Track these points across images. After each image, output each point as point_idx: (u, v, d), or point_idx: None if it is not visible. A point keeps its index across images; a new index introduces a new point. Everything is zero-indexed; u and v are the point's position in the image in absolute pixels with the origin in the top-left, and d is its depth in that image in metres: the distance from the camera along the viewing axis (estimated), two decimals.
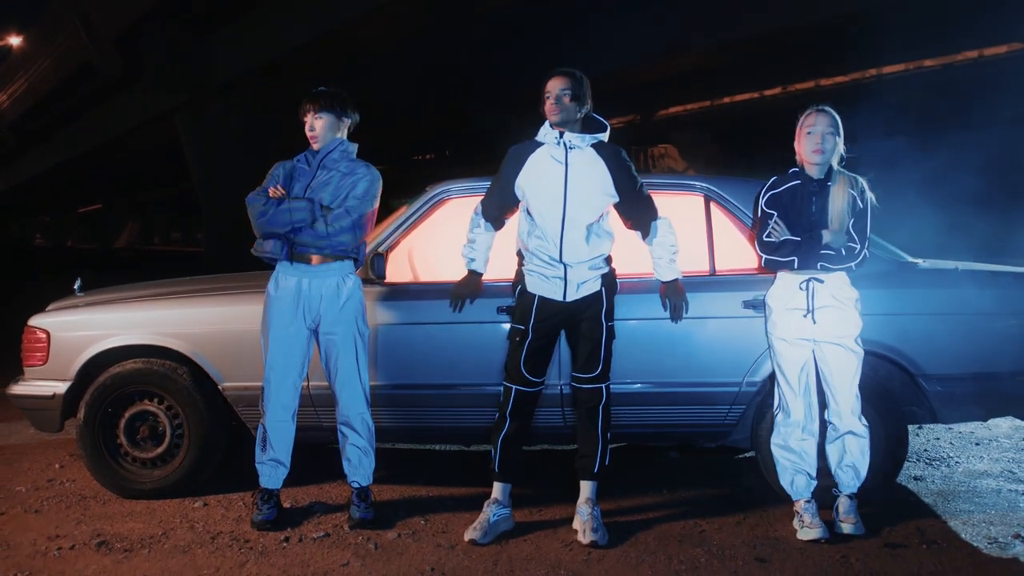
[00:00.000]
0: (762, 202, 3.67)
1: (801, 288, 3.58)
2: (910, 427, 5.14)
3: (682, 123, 28.62)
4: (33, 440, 5.40)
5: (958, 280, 4.06)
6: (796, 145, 3.64)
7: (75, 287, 4.65)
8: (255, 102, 21.37)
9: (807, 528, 3.54)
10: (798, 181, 3.64)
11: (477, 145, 27.07)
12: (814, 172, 3.62)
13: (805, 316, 3.57)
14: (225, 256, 19.05)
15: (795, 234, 3.57)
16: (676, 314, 3.75)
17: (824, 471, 3.73)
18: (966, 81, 20.56)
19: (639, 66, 19.21)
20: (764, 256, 3.63)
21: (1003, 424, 5.39)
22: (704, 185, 4.15)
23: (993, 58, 19.84)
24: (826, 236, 3.54)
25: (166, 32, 21.50)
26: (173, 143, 24.79)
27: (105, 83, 26.65)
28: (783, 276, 3.64)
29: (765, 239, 3.62)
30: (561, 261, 3.55)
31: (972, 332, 3.93)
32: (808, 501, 3.62)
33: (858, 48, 18.71)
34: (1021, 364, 3.93)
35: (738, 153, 27.66)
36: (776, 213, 3.62)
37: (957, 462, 4.68)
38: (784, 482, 3.69)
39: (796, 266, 3.56)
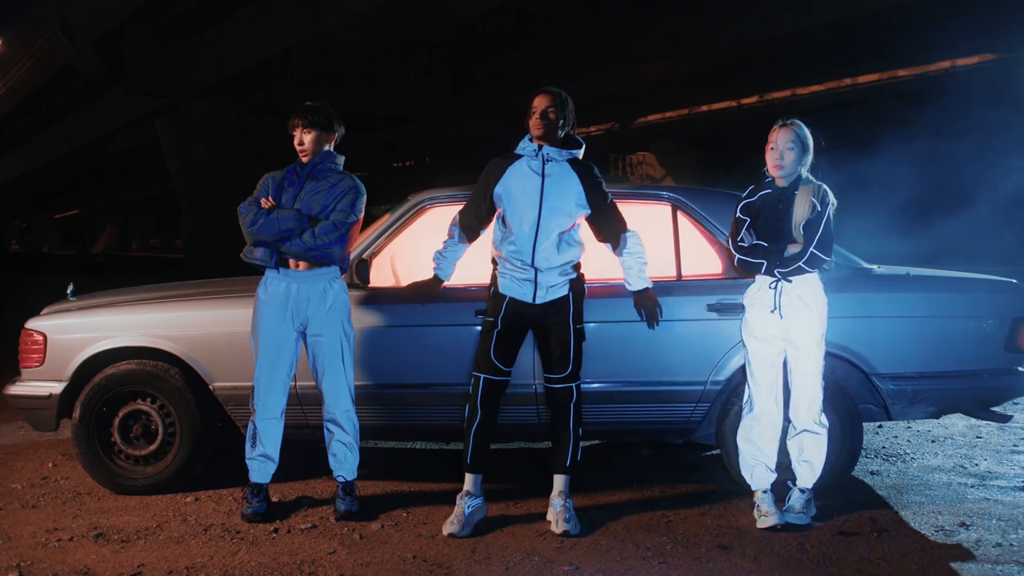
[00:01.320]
0: (738, 209, 3.91)
1: (770, 287, 3.82)
2: (870, 426, 5.43)
3: (660, 131, 28.94)
4: (25, 440, 5.56)
5: (910, 285, 4.31)
6: (765, 156, 3.88)
7: (68, 291, 4.82)
8: (237, 107, 21.45)
9: (764, 517, 3.78)
10: (769, 190, 3.88)
11: (456, 152, 27.29)
12: (781, 182, 3.86)
13: (772, 312, 3.80)
14: (205, 262, 19.18)
15: (764, 240, 3.81)
16: (652, 320, 3.98)
17: (785, 465, 3.97)
18: (939, 91, 20.96)
19: (618, 74, 19.47)
20: (737, 257, 3.87)
21: (959, 423, 5.66)
22: (671, 195, 4.38)
23: (965, 68, 20.24)
24: (791, 249, 3.77)
25: (147, 36, 21.53)
26: (153, 145, 24.78)
27: (85, 86, 26.65)
28: (758, 278, 3.88)
29: (739, 243, 3.86)
30: (533, 266, 3.78)
31: (922, 334, 4.18)
32: (766, 492, 3.85)
33: (834, 58, 19.07)
34: (968, 364, 4.19)
35: (716, 161, 28.03)
36: (749, 220, 3.86)
37: (913, 458, 4.94)
38: (745, 473, 3.92)
39: (764, 270, 3.80)
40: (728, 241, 3.95)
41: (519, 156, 3.87)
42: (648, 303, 3.97)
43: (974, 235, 14.97)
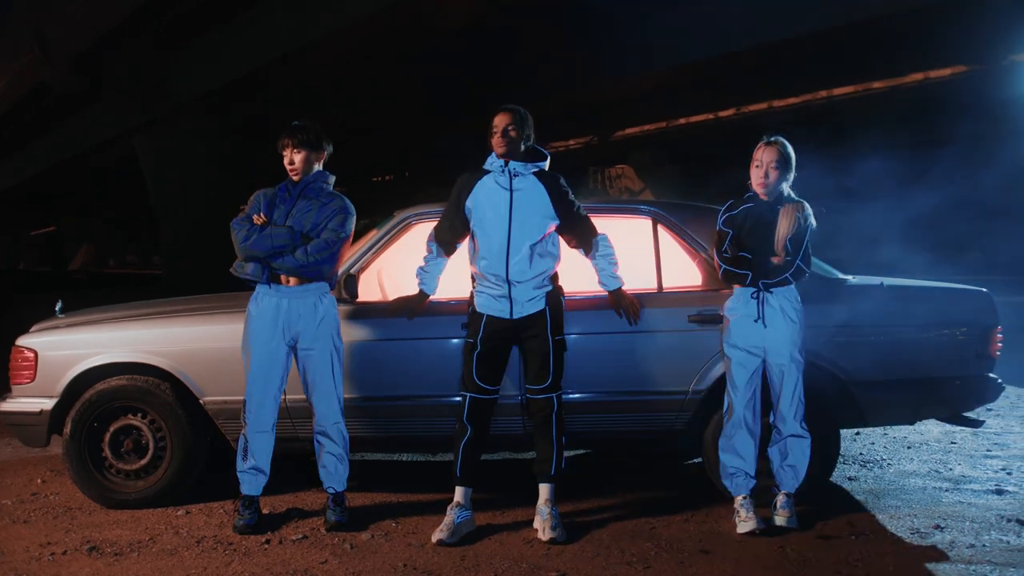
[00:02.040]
0: (720, 221, 4.04)
1: (752, 297, 3.94)
2: (848, 432, 5.55)
3: (639, 144, 29.14)
4: (12, 457, 5.58)
5: (884, 294, 4.43)
6: (750, 172, 4.00)
7: (56, 309, 4.87)
8: (220, 120, 21.44)
9: (743, 522, 3.89)
10: (752, 204, 4.01)
11: (435, 166, 27.38)
12: (764, 197, 3.98)
13: (756, 321, 3.93)
14: (185, 279, 19.13)
15: (748, 252, 3.93)
16: (634, 316, 4.11)
17: (765, 471, 4.08)
18: (913, 103, 21.27)
19: (596, 88, 19.63)
20: (723, 268, 3.98)
21: (933, 429, 5.79)
22: (652, 209, 4.50)
23: (938, 80, 20.54)
24: (773, 261, 3.91)
25: (126, 53, 21.50)
26: (134, 162, 24.69)
27: (62, 103, 26.55)
28: (738, 289, 4.00)
29: (723, 254, 3.97)
30: (507, 280, 3.88)
31: (897, 342, 4.30)
32: (745, 498, 3.96)
33: (809, 71, 19.33)
34: (941, 371, 4.32)
35: (694, 173, 28.26)
36: (732, 232, 3.98)
37: (889, 464, 5.06)
38: (725, 480, 4.02)
39: (749, 281, 3.92)
40: (712, 252, 4.06)
41: (487, 172, 3.98)
42: (624, 301, 4.10)
43: (948, 246, 15.20)
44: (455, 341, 4.22)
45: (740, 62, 17.76)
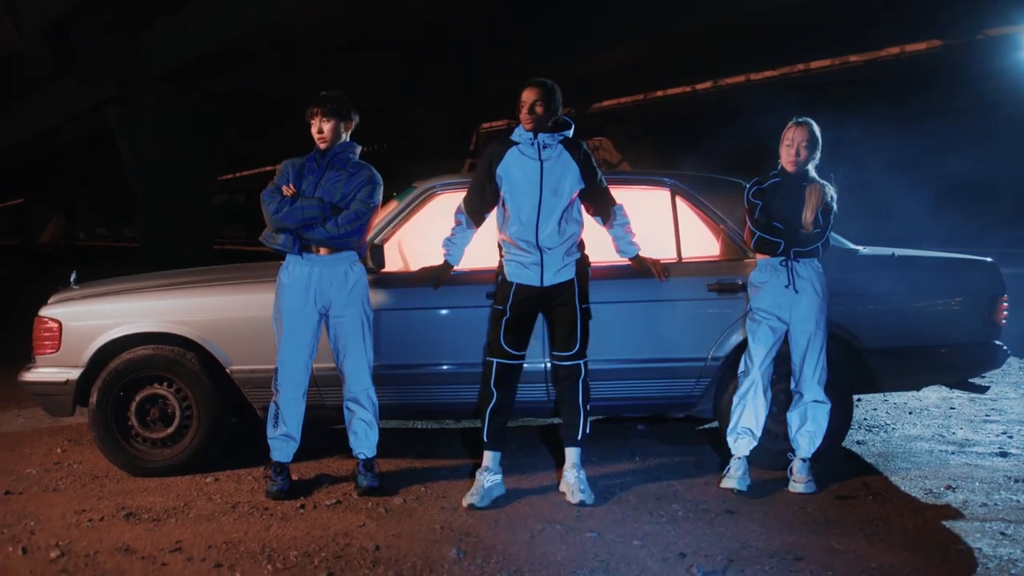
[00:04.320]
0: (750, 194, 4.16)
1: (782, 266, 4.07)
2: None
3: (617, 116, 29.15)
4: (26, 428, 5.60)
5: (895, 264, 4.56)
6: (779, 149, 4.12)
7: (71, 280, 4.89)
8: (189, 97, 21.22)
9: (729, 478, 4.11)
10: (779, 178, 4.14)
11: (411, 141, 27.32)
12: (792, 172, 4.10)
13: (787, 287, 4.05)
14: (162, 250, 19.00)
15: (777, 221, 4.06)
16: (661, 271, 4.23)
17: (782, 436, 4.21)
18: (890, 76, 21.48)
19: (573, 61, 19.63)
20: (757, 235, 4.10)
21: (932, 396, 5.97)
22: (670, 180, 4.59)
23: (914, 54, 20.73)
24: (804, 232, 4.05)
25: (97, 24, 21.20)
26: (105, 135, 24.38)
27: (32, 75, 26.13)
28: (764, 260, 4.13)
29: (758, 222, 4.10)
30: (538, 247, 3.96)
31: (907, 310, 4.45)
32: (740, 458, 4.13)
33: (786, 44, 19.44)
34: (949, 338, 4.48)
35: (670, 145, 28.38)
36: (761, 203, 4.10)
37: (894, 428, 5.22)
38: (730, 438, 4.17)
39: (780, 249, 4.05)
40: (747, 220, 4.16)
41: (515, 143, 4.04)
42: (648, 262, 4.22)
43: (922, 217, 15.45)
44: (479, 310, 4.29)
45: (717, 35, 17.82)
